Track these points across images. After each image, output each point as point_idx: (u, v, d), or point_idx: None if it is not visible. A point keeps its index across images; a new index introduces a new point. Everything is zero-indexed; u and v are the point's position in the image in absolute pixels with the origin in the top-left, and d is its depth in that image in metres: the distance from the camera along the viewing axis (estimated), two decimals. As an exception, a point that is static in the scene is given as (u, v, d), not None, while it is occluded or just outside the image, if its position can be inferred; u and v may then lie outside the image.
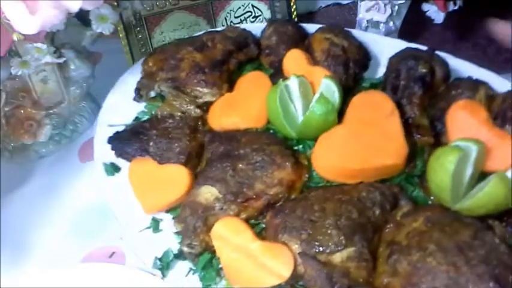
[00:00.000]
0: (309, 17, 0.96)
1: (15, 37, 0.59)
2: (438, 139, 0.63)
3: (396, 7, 0.80)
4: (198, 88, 0.70)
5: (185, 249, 0.57)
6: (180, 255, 0.58)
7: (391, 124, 0.61)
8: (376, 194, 0.57)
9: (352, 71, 0.71)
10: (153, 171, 0.64)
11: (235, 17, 0.89)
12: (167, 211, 0.63)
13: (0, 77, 0.72)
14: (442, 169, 0.54)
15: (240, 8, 0.88)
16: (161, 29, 0.86)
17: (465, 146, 0.55)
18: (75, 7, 0.59)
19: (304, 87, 0.66)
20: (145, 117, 0.73)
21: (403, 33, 0.84)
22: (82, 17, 0.67)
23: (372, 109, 0.62)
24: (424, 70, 0.66)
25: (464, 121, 0.60)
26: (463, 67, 0.70)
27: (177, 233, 0.59)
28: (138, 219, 0.63)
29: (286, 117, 0.64)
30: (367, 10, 0.81)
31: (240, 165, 0.60)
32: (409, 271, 0.50)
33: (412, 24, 0.84)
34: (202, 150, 0.67)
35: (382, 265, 0.52)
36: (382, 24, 0.82)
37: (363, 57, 0.74)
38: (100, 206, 0.72)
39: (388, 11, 0.79)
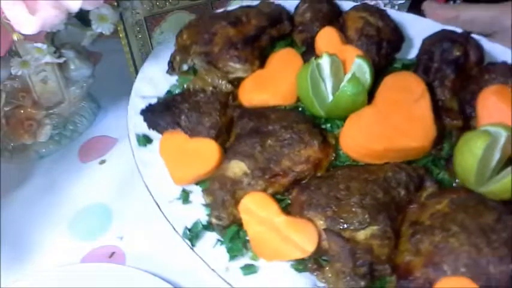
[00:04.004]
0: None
1: (15, 37, 0.59)
2: (467, 123, 0.63)
3: (396, 7, 0.81)
4: (230, 63, 0.71)
5: (214, 220, 0.59)
6: (208, 227, 0.60)
7: (421, 106, 0.61)
8: (402, 175, 0.58)
9: (385, 51, 0.71)
10: (183, 145, 0.66)
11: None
12: (196, 183, 0.65)
13: (0, 77, 0.72)
14: (470, 153, 0.54)
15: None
16: (161, 29, 0.86)
17: (494, 131, 0.55)
18: (75, 7, 0.59)
19: (336, 66, 0.66)
20: (177, 91, 0.75)
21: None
22: (82, 17, 0.67)
23: (402, 90, 0.62)
24: (458, 53, 0.66)
25: (494, 106, 0.60)
26: (497, 51, 0.69)
27: (206, 205, 0.61)
28: (168, 191, 0.65)
29: (316, 95, 0.65)
30: (367, 10, 0.80)
31: (269, 141, 0.62)
32: (431, 251, 0.51)
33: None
34: (232, 125, 0.69)
35: (404, 244, 0.54)
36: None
37: (397, 38, 0.73)
38: (100, 206, 0.74)
39: None
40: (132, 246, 0.68)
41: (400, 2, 0.81)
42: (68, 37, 0.75)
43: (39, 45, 0.65)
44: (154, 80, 0.78)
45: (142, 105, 0.72)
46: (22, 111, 0.77)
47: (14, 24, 0.57)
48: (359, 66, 0.64)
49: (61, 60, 0.71)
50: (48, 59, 0.67)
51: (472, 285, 0.47)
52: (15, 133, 0.77)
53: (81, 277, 0.63)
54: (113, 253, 0.68)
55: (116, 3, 0.72)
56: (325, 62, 0.66)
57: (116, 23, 0.70)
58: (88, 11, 0.64)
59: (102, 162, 0.80)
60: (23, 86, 0.75)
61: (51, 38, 0.71)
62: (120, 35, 0.83)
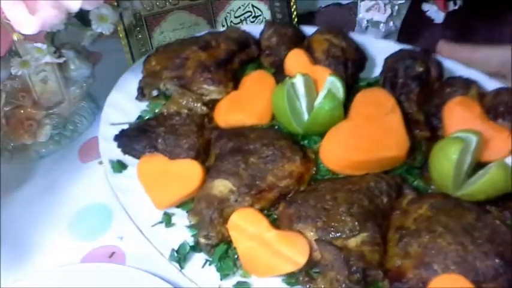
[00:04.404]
0: (309, 17, 0.97)
1: (15, 37, 0.60)
2: (434, 133, 0.67)
3: (396, 7, 0.82)
4: (204, 86, 0.72)
5: (202, 240, 0.58)
6: (195, 248, 0.60)
7: (393, 119, 0.64)
8: (383, 184, 0.60)
9: (351, 70, 0.75)
10: (164, 167, 0.65)
11: (235, 17, 0.90)
12: (177, 206, 0.64)
13: (0, 77, 0.72)
14: (446, 159, 0.57)
15: (240, 8, 0.90)
16: (161, 29, 0.87)
17: (466, 136, 0.59)
18: (75, 7, 0.60)
19: (309, 85, 0.69)
20: (148, 116, 0.75)
21: (403, 33, 0.85)
22: (82, 17, 0.67)
23: (374, 105, 0.66)
24: (421, 69, 0.70)
25: (460, 116, 0.64)
26: (453, 67, 0.74)
27: (192, 226, 0.61)
28: (149, 215, 0.64)
29: (293, 113, 0.66)
30: (367, 10, 0.83)
31: (252, 159, 0.62)
32: (420, 252, 0.53)
33: (412, 24, 0.85)
34: (209, 146, 0.69)
35: (392, 249, 0.55)
36: (382, 24, 0.84)
37: (360, 57, 0.77)
38: (100, 206, 0.73)
39: (388, 11, 0.81)
40: (132, 246, 0.68)
41: (400, 2, 0.82)
42: (68, 37, 0.75)
43: (39, 45, 0.65)
44: (122, 107, 0.77)
45: (113, 132, 0.71)
46: (22, 111, 0.76)
47: (14, 24, 0.57)
48: (332, 83, 0.67)
49: (61, 60, 0.71)
50: (48, 59, 0.67)
51: (463, 281, 0.50)
52: (15, 133, 0.76)
53: (81, 277, 0.62)
54: (113, 253, 0.68)
55: (115, 3, 0.72)
56: (299, 81, 0.68)
57: (116, 23, 0.70)
58: (88, 11, 0.64)
59: (102, 162, 0.77)
60: (23, 86, 0.75)
61: (51, 38, 0.71)
62: (120, 35, 0.84)
